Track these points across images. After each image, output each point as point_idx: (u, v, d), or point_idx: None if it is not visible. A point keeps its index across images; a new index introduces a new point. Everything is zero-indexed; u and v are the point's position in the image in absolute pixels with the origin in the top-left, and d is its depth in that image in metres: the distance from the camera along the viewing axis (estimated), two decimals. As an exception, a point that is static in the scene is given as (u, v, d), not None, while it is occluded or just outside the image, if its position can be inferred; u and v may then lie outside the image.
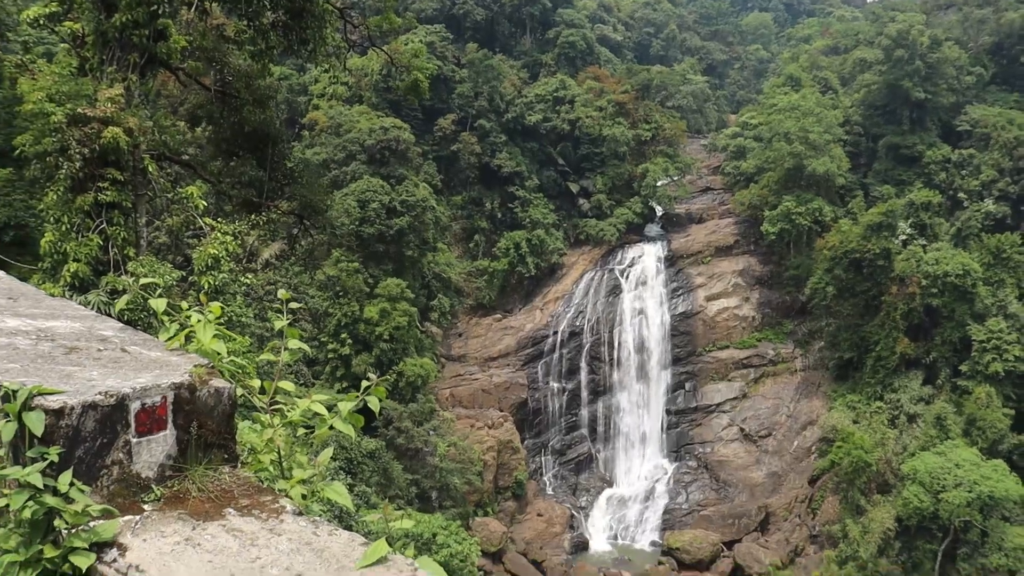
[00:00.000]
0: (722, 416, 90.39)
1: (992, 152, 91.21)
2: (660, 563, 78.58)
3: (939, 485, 68.78)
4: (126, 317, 20.32)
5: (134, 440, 4.64)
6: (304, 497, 5.41)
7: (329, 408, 5.93)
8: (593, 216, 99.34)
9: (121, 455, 4.59)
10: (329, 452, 5.80)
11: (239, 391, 5.43)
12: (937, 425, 76.23)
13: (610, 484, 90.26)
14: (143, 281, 5.98)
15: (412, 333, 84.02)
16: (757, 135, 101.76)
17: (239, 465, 5.16)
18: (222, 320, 5.95)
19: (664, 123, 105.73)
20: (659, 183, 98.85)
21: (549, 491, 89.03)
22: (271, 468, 5.61)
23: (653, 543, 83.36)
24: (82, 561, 4.16)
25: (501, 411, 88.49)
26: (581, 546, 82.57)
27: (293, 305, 6.13)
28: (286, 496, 5.07)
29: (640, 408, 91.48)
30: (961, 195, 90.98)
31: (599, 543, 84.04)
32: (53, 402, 4.39)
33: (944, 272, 78.51)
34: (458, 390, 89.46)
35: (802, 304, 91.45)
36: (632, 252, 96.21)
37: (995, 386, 75.84)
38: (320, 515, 4.91)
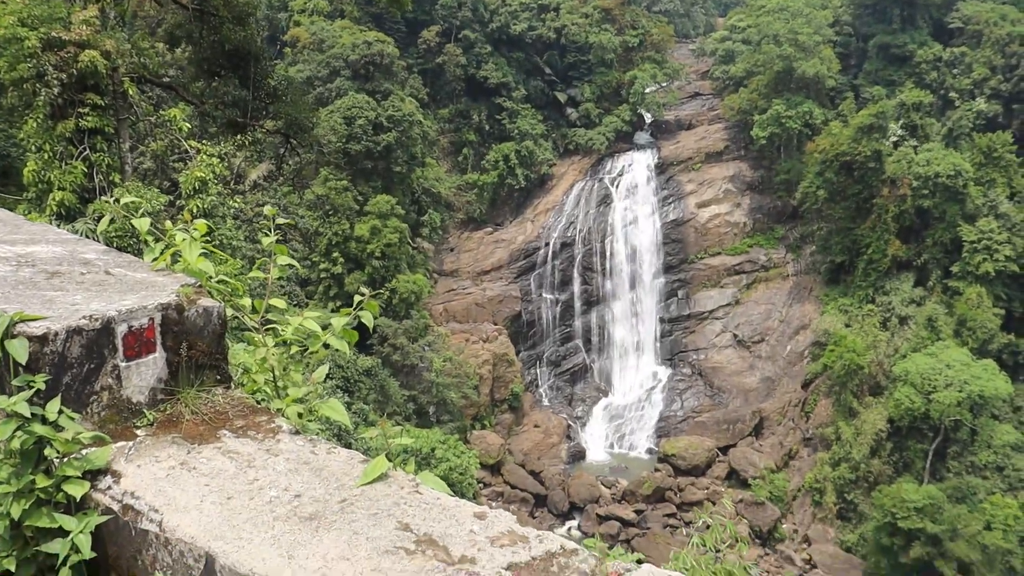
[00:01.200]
0: (715, 323, 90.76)
1: (984, 49, 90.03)
2: (656, 470, 79.67)
3: (930, 386, 69.45)
4: (115, 244, 20.07)
5: (123, 364, 4.51)
6: (300, 416, 5.31)
7: (323, 327, 5.80)
8: (581, 126, 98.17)
9: (110, 380, 4.47)
10: (324, 370, 5.70)
11: (229, 311, 5.29)
12: (928, 327, 76.67)
13: (605, 393, 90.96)
14: (124, 200, 5.78)
15: (403, 250, 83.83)
16: (746, 38, 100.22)
17: (233, 386, 5.05)
18: (210, 240, 5.78)
19: (651, 28, 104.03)
20: (647, 90, 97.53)
21: (545, 402, 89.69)
22: (266, 388, 5.51)
23: (649, 450, 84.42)
24: (76, 490, 4.07)
25: (495, 324, 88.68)
26: (578, 455, 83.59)
27: (280, 221, 5.95)
28: (282, 416, 4.97)
29: (633, 317, 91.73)
30: (952, 94, 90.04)
31: (596, 452, 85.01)
32: (36, 328, 4.25)
33: (935, 173, 78.15)
34: (452, 305, 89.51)
35: (793, 209, 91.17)
36: (622, 161, 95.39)
37: (986, 286, 76.16)
38: (318, 434, 4.82)
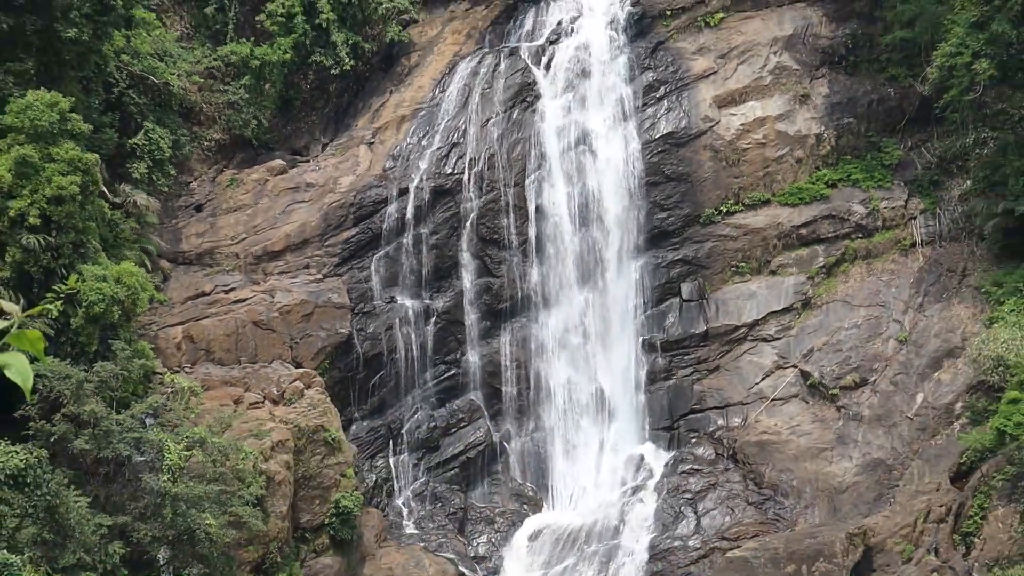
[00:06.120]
0: (762, 348, 47.83)
1: None
2: None
3: None
4: None
5: None
6: None
7: None
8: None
9: None
10: None
11: None
12: None
13: (535, 504, 47.93)
14: None
15: (92, 210, 42.00)
16: None
17: None
18: None
19: None
20: None
21: (409, 527, 46.53)
22: None
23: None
24: None
25: (298, 364, 45.87)
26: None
27: None
28: None
29: (590, 341, 48.65)
30: None
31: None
32: None
33: None
34: (201, 325, 45.88)
35: (921, 102, 47.92)
36: (556, 8, 50.69)
37: None
38: None
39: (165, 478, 36.73)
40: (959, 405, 43.51)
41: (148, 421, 39.47)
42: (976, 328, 43.80)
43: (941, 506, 42.14)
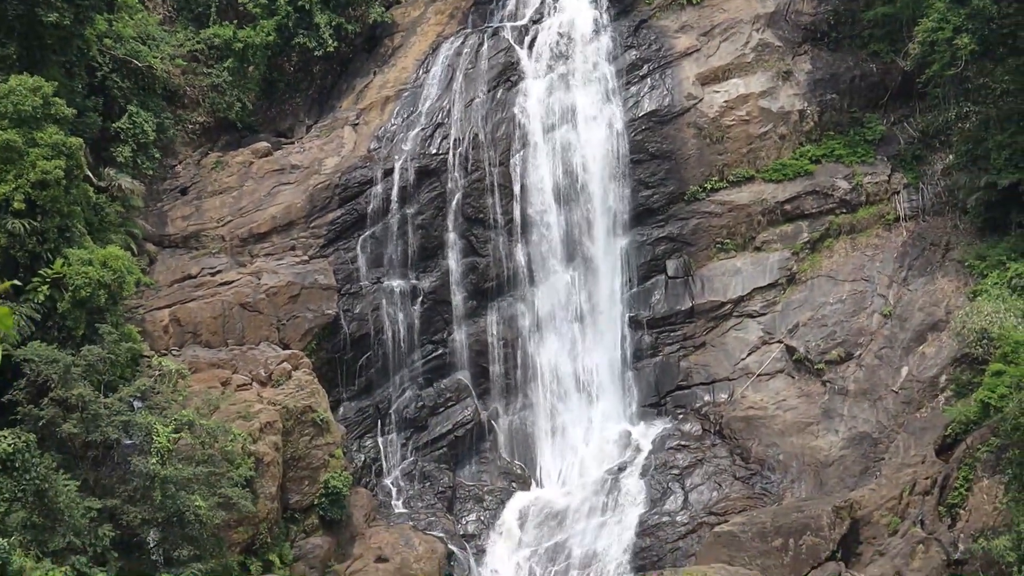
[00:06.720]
0: (748, 324, 47.73)
1: None
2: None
3: None
4: None
5: None
6: None
7: None
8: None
9: None
10: None
11: None
12: None
13: (524, 483, 47.63)
14: None
15: (76, 194, 41.66)
16: None
17: None
18: None
19: None
20: None
21: (398, 506, 46.51)
22: None
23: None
24: None
25: (285, 346, 45.64)
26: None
27: None
28: None
29: (576, 321, 48.42)
30: None
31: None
32: None
33: None
34: (188, 309, 45.54)
35: (904, 78, 47.70)
36: None
37: None
38: None
39: (154, 461, 36.90)
40: (943, 378, 43.61)
41: (136, 404, 39.69)
42: (960, 301, 43.77)
43: (926, 478, 42.47)
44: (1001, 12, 41.78)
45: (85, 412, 36.77)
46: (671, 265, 46.99)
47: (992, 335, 40.63)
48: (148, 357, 41.70)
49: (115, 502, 37.28)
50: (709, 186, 46.97)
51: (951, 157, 45.99)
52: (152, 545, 39.13)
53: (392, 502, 45.55)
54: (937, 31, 43.19)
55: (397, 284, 46.36)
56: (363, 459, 45.70)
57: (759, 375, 45.77)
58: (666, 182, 47.14)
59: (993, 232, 44.48)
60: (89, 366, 37.21)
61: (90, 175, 41.59)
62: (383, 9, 48.39)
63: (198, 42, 47.36)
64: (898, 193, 46.82)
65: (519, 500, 46.11)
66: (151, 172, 45.25)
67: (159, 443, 37.60)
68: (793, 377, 45.64)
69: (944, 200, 46.18)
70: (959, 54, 42.53)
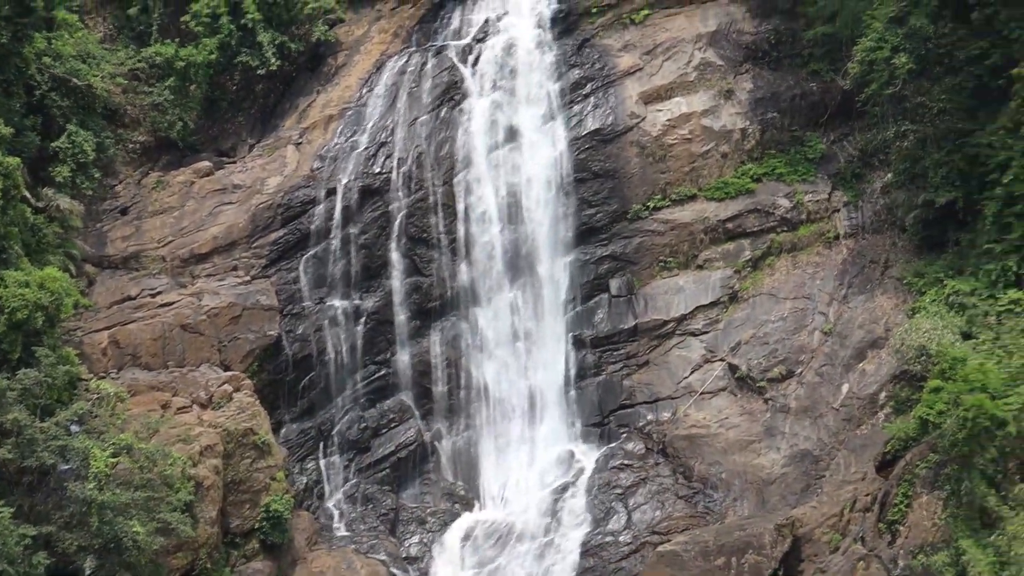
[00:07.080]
0: (690, 342, 46.84)
1: None
2: None
3: None
4: None
5: None
6: None
7: None
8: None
9: None
10: None
11: None
12: None
13: (467, 504, 46.63)
14: None
15: (13, 214, 40.07)
16: None
17: None
18: None
19: None
20: None
21: (340, 529, 45.17)
22: None
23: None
24: None
25: (226, 368, 44.06)
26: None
27: None
28: None
29: (520, 340, 47.35)
30: None
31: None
32: None
33: None
34: (128, 330, 43.90)
35: (843, 97, 46.99)
36: (482, 6, 49.77)
37: None
38: None
39: (91, 486, 35.21)
40: (883, 395, 42.70)
41: (73, 428, 37.39)
42: (899, 319, 42.92)
43: (867, 495, 41.42)
44: (938, 32, 41.02)
45: (20, 437, 34.82)
46: (614, 284, 46.09)
47: (930, 352, 39.44)
48: (86, 380, 39.71)
49: (51, 529, 35.13)
50: (652, 204, 46.09)
51: (890, 175, 45.21)
52: (88, 573, 36.75)
53: (334, 525, 44.06)
54: (876, 50, 42.48)
55: (340, 304, 45.13)
56: (305, 482, 44.20)
57: (702, 393, 44.71)
58: (609, 201, 46.28)
59: (931, 250, 43.73)
60: (25, 390, 35.60)
61: (28, 195, 40.10)
62: (327, 28, 47.17)
63: (139, 60, 45.84)
64: (838, 211, 46.02)
65: (462, 522, 44.81)
66: (90, 192, 43.68)
67: (96, 468, 35.79)
68: (736, 395, 44.55)
69: (883, 218, 45.41)
70: (897, 73, 41.72)
